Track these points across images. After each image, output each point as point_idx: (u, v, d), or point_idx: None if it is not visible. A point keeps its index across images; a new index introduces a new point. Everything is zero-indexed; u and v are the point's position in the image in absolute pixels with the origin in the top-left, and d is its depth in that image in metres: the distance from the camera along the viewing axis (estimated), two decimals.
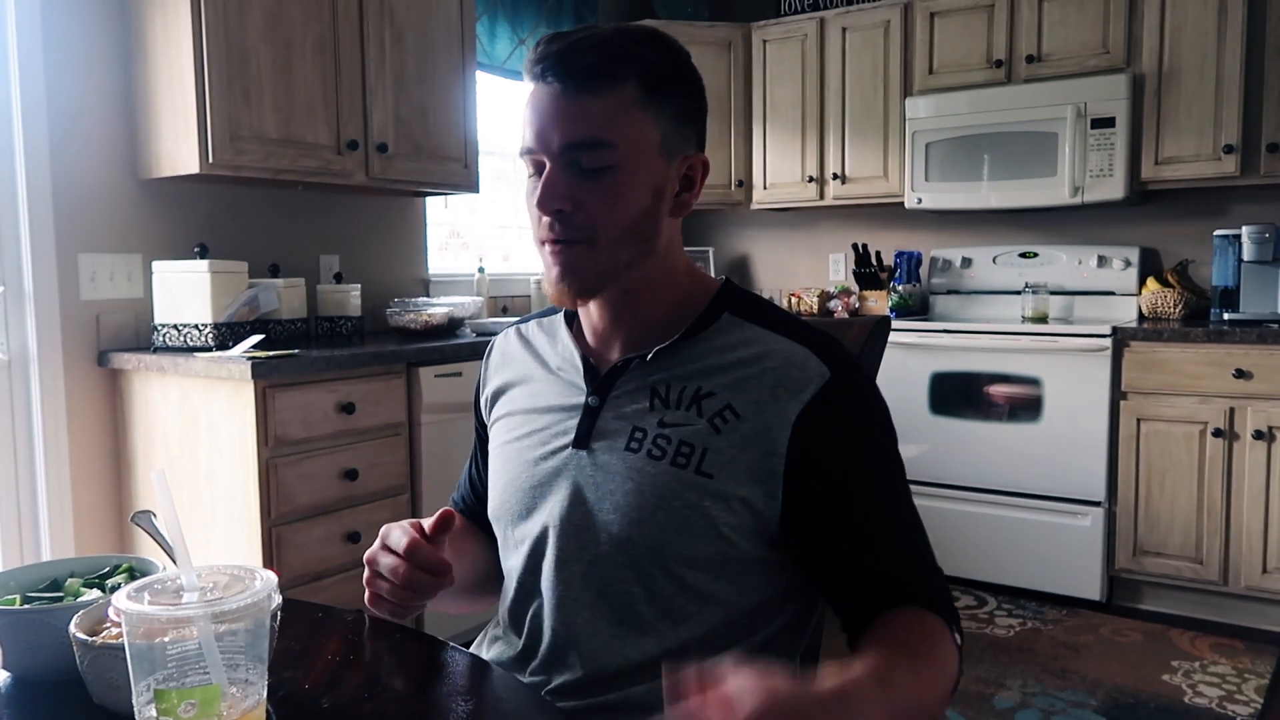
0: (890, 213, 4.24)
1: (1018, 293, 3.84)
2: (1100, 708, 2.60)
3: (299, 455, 2.44)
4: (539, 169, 0.99)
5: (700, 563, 0.97)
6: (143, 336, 2.73)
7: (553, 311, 1.18)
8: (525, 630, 1.07)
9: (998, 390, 3.49)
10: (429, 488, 2.74)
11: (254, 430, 2.34)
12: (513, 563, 1.09)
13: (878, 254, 4.19)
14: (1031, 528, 3.43)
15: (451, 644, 0.99)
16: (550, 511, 1.04)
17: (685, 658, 0.98)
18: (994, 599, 3.44)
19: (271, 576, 0.72)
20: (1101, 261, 3.79)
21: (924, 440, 3.59)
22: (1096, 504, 3.33)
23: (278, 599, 0.77)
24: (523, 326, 1.21)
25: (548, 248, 0.99)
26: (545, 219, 0.98)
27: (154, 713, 0.68)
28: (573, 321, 1.13)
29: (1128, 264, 3.74)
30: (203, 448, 2.47)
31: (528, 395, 1.12)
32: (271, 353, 2.44)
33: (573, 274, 0.99)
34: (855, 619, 0.97)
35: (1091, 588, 3.34)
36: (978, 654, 2.96)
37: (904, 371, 3.59)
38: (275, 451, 2.39)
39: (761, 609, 1.02)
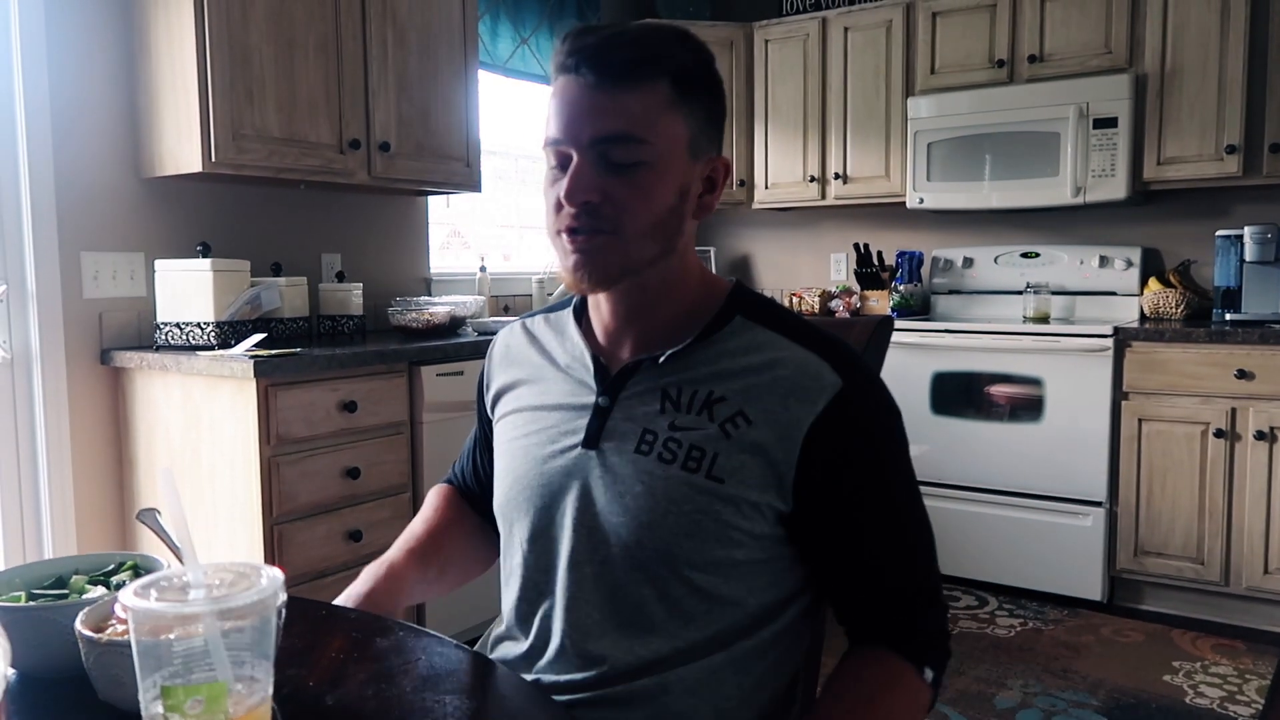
0: (892, 212, 4.24)
1: (1019, 293, 3.84)
2: (1101, 708, 2.60)
3: (301, 454, 2.44)
4: (564, 162, 0.97)
5: (710, 566, 0.98)
6: (145, 335, 2.73)
7: (560, 307, 1.17)
8: (534, 630, 1.07)
9: (999, 390, 3.49)
10: (430, 487, 2.74)
11: (256, 429, 2.34)
12: (517, 560, 1.09)
13: (879, 254, 4.19)
14: (1033, 528, 3.44)
15: (456, 642, 0.99)
16: (561, 512, 1.03)
17: (694, 655, 0.99)
18: (995, 599, 3.45)
19: (278, 574, 0.72)
20: (1103, 262, 3.79)
21: (925, 440, 3.59)
22: (1098, 504, 3.33)
23: (283, 596, 0.77)
24: (528, 321, 1.20)
25: (565, 236, 0.98)
26: (568, 210, 0.96)
27: (160, 709, 0.68)
28: (581, 318, 1.12)
29: (1129, 264, 3.74)
30: (205, 446, 2.47)
31: (536, 392, 1.11)
32: (273, 351, 2.44)
33: (593, 261, 0.97)
34: (850, 625, 1.02)
35: (1092, 588, 3.35)
36: (979, 654, 2.96)
37: (905, 371, 3.59)
38: (277, 450, 2.39)
39: (769, 609, 1.02)
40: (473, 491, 1.28)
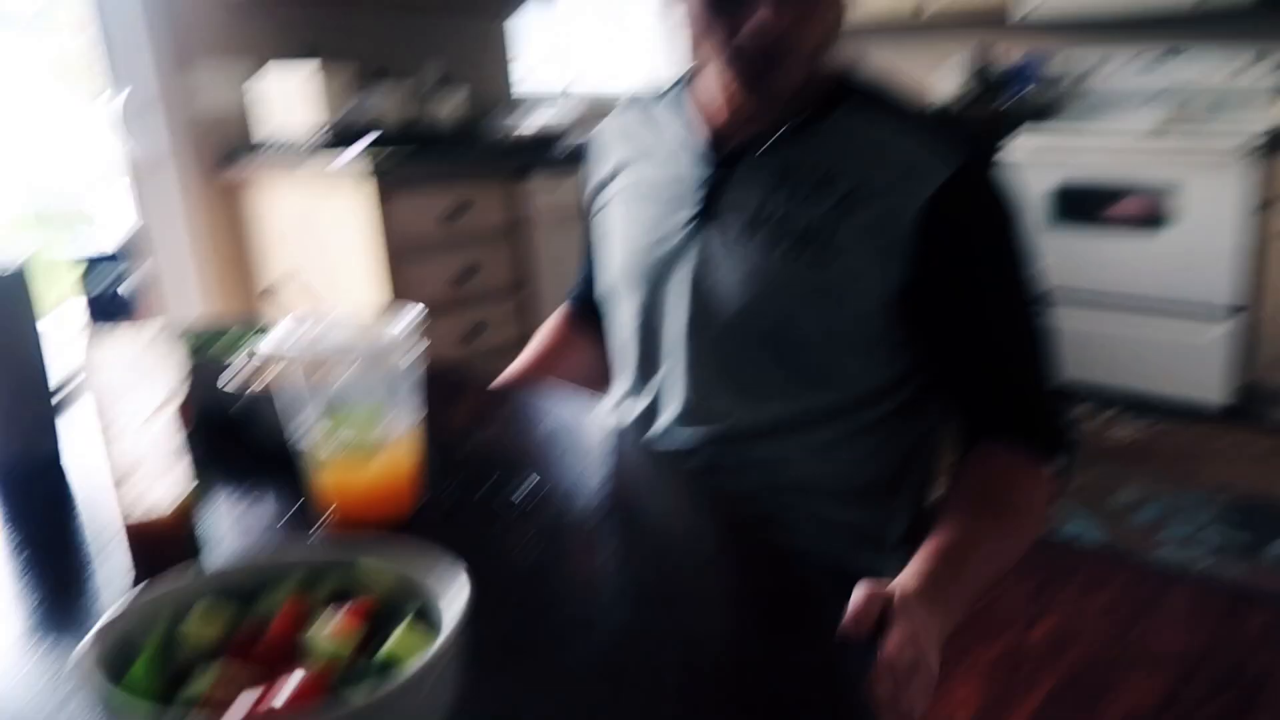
0: (1000, 27, 3.92)
1: (1151, 97, 3.56)
2: (1221, 512, 2.55)
3: (416, 256, 2.49)
4: None
5: (819, 343, 0.98)
6: (257, 141, 2.76)
7: (671, 88, 1.14)
8: (655, 394, 1.09)
9: (1128, 199, 3.31)
10: (545, 286, 2.82)
11: (372, 232, 2.39)
12: (631, 331, 1.11)
13: (991, 66, 3.92)
14: (1158, 333, 3.30)
15: (580, 406, 1.02)
16: (675, 284, 1.04)
17: (811, 423, 1.00)
18: (1114, 405, 3.37)
19: (419, 309, 0.74)
20: (1245, 65, 3.46)
21: (1047, 249, 3.45)
22: (1230, 311, 3.17)
23: (423, 340, 0.79)
24: (643, 101, 1.17)
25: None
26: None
27: (320, 432, 0.72)
28: (693, 98, 1.09)
29: (1278, 68, 3.41)
30: (320, 251, 2.54)
31: (649, 169, 1.10)
32: (385, 151, 2.44)
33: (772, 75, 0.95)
34: (972, 419, 0.99)
35: (1218, 396, 3.23)
36: (1096, 456, 2.93)
37: (1025, 180, 3.42)
38: (393, 252, 2.44)
39: (882, 388, 1.02)
40: (593, 299, 1.27)
